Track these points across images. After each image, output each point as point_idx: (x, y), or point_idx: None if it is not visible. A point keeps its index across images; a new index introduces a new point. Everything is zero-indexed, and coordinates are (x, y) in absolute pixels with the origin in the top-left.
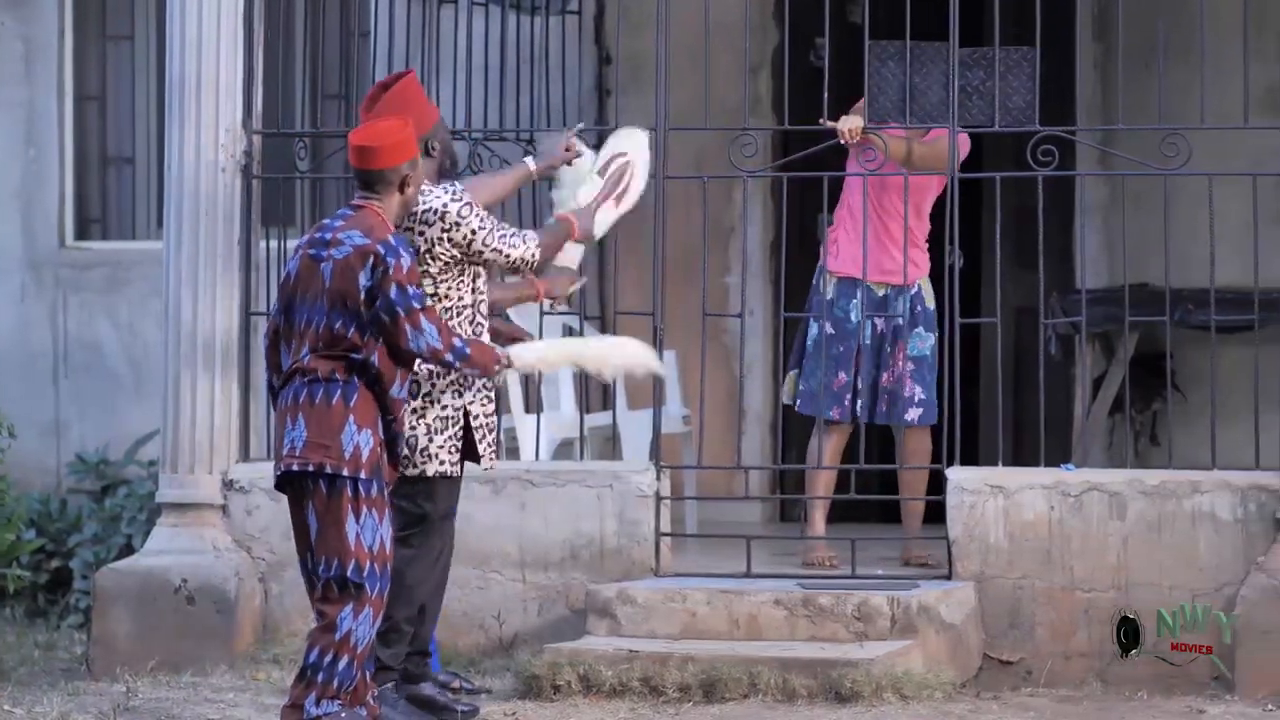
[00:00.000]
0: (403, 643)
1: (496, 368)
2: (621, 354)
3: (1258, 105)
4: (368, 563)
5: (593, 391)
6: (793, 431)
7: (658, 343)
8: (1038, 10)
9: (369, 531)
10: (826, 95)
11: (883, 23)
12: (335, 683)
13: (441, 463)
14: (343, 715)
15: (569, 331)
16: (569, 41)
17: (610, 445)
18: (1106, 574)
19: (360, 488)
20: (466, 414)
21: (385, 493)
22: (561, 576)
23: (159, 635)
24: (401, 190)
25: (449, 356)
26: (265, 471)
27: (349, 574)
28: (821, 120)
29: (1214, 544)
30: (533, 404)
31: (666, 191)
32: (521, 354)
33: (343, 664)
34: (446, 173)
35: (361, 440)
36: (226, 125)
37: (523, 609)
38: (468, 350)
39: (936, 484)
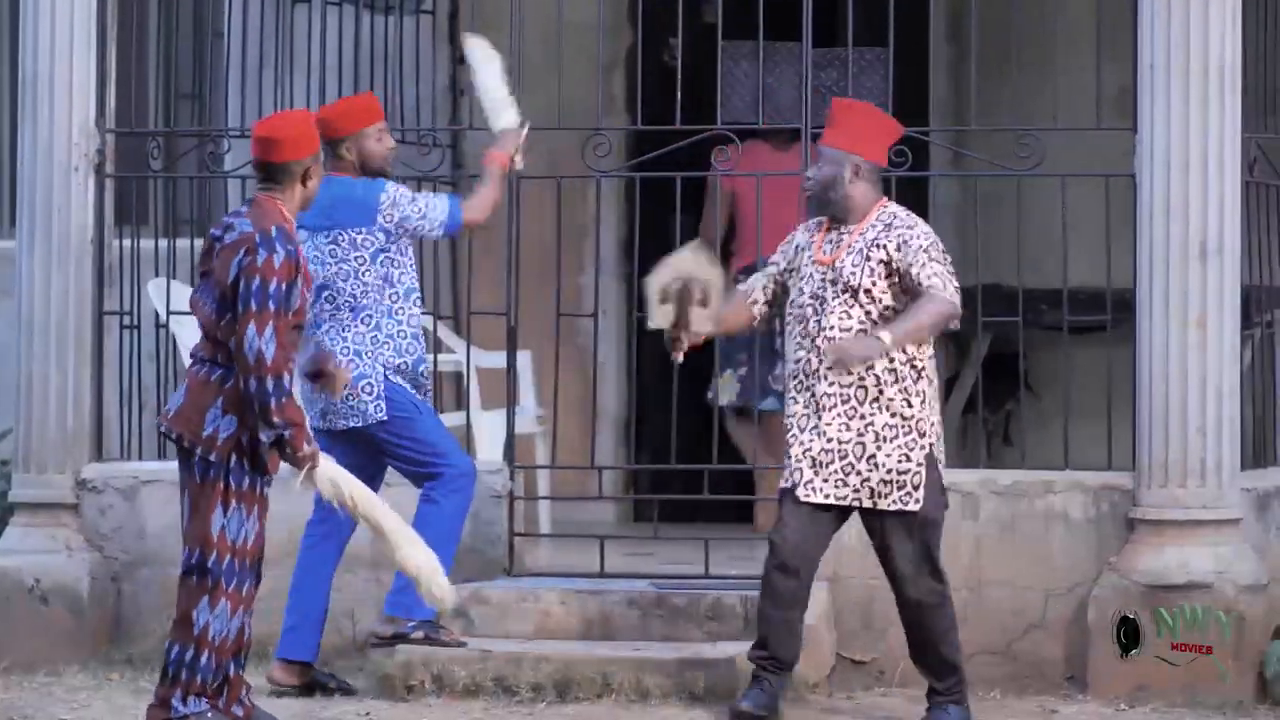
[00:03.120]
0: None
1: (299, 450)
2: (411, 557)
3: (1110, 107)
4: (227, 556)
5: (446, 391)
6: (646, 432)
7: (512, 343)
8: (891, 11)
9: (234, 524)
10: (680, 95)
11: (736, 23)
12: (199, 679)
13: None
14: (209, 715)
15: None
16: (423, 41)
17: (464, 445)
18: (959, 574)
19: (231, 479)
20: None
21: (261, 488)
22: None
23: (12, 636)
24: (304, 183)
25: (269, 383)
26: (118, 471)
27: (209, 564)
28: None
29: (1067, 544)
30: None
31: (520, 192)
32: (328, 468)
33: (204, 659)
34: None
35: (223, 424)
36: (79, 124)
37: (377, 609)
38: (284, 397)
39: None
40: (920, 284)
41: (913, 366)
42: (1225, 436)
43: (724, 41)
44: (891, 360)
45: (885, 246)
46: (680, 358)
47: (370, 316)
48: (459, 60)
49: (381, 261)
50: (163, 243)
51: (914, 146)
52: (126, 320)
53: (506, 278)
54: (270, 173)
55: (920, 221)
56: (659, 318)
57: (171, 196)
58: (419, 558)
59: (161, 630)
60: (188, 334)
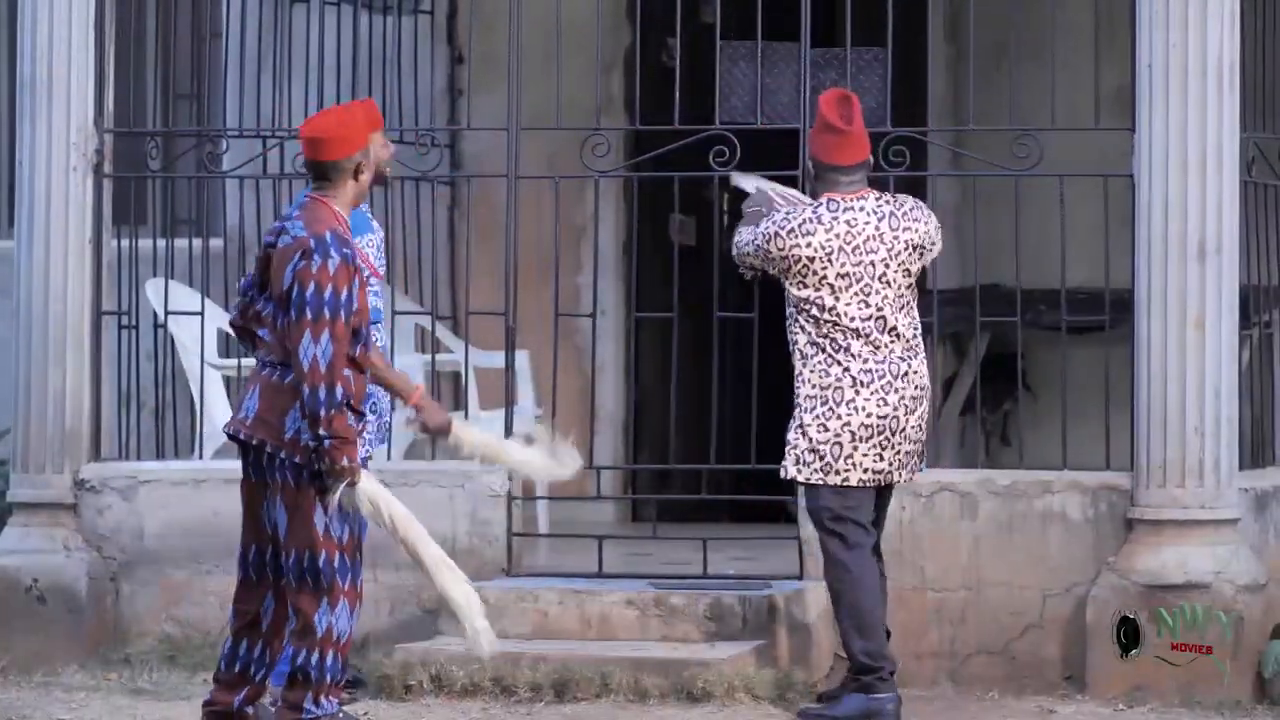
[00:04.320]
0: None
1: (337, 462)
2: (450, 590)
3: (1108, 106)
4: (336, 553)
5: (444, 391)
6: (644, 432)
7: (510, 342)
8: (889, 11)
9: (336, 522)
10: (678, 95)
11: (735, 23)
12: (329, 679)
13: None
14: (340, 715)
15: (420, 332)
16: (421, 41)
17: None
18: (957, 574)
19: (320, 479)
20: None
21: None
22: (413, 577)
23: (10, 635)
24: (355, 178)
25: (321, 392)
26: (116, 471)
27: (320, 565)
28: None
29: (1064, 544)
30: None
31: (519, 192)
32: (368, 487)
33: (329, 660)
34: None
35: (304, 428)
36: (78, 124)
37: (375, 609)
38: (334, 408)
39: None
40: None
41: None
42: (1223, 436)
43: (722, 41)
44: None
45: None
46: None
47: None
48: (457, 60)
49: None
50: (161, 243)
51: (912, 146)
52: (125, 320)
53: (505, 278)
54: (322, 171)
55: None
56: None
57: (170, 196)
58: (459, 591)
59: (159, 630)
60: (186, 334)
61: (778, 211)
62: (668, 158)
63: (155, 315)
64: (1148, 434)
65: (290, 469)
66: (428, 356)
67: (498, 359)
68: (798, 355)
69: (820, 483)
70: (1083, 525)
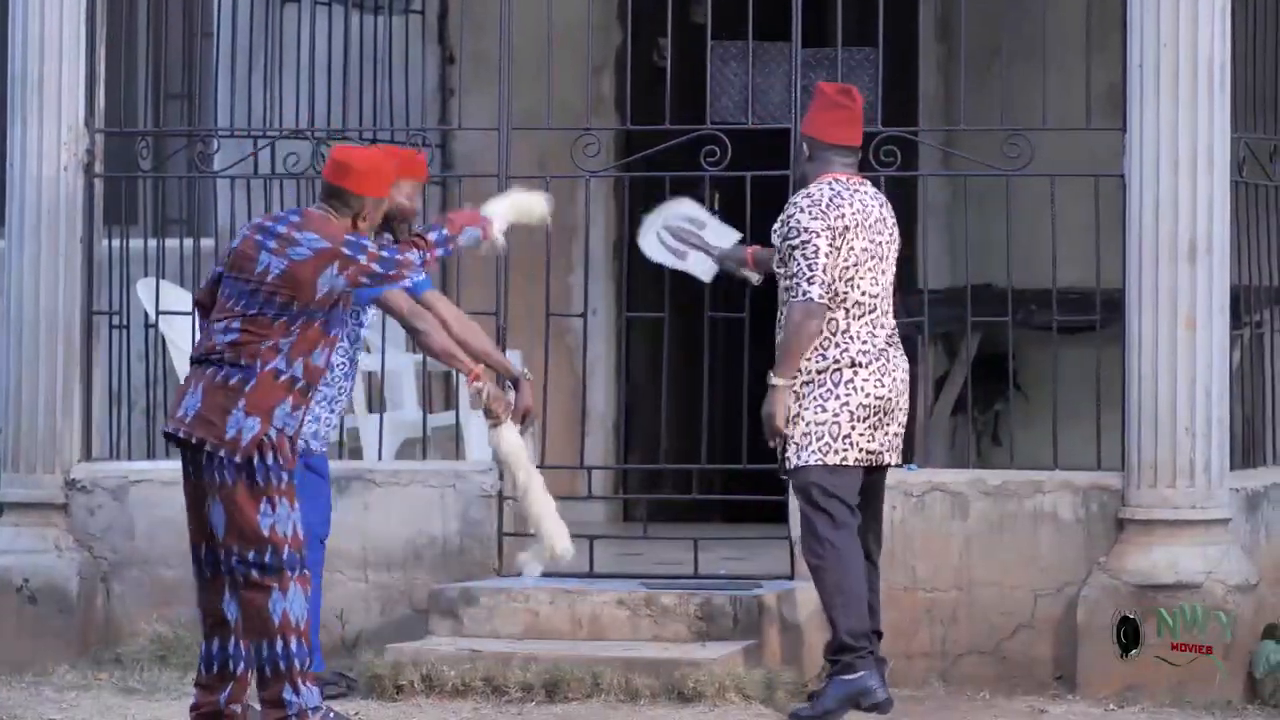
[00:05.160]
0: None
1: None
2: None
3: (1099, 106)
4: (285, 547)
5: (435, 392)
6: (635, 432)
7: (501, 342)
8: (880, 11)
9: (282, 518)
10: (669, 95)
11: (726, 23)
12: (298, 664)
13: None
14: (324, 707)
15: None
16: (412, 41)
17: (453, 445)
18: (949, 574)
19: (268, 476)
20: None
21: (289, 480)
22: (404, 576)
23: (0, 635)
24: (355, 223)
25: (415, 256)
26: (108, 471)
27: (267, 559)
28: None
29: (1056, 544)
30: (376, 404)
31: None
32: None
33: (294, 645)
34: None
35: (246, 426)
36: (69, 124)
37: (365, 609)
38: (440, 246)
39: (778, 484)
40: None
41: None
42: (1214, 436)
43: (713, 41)
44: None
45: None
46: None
47: None
48: (448, 60)
49: None
50: (152, 242)
51: (903, 146)
52: (115, 320)
53: (496, 277)
54: (333, 193)
55: (800, 202)
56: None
57: (161, 196)
58: (549, 522)
59: (150, 630)
60: (177, 334)
61: (798, 210)
62: (658, 158)
63: (146, 315)
64: (1139, 434)
65: (229, 468)
66: (419, 357)
67: None
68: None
69: (818, 462)
70: (1074, 525)
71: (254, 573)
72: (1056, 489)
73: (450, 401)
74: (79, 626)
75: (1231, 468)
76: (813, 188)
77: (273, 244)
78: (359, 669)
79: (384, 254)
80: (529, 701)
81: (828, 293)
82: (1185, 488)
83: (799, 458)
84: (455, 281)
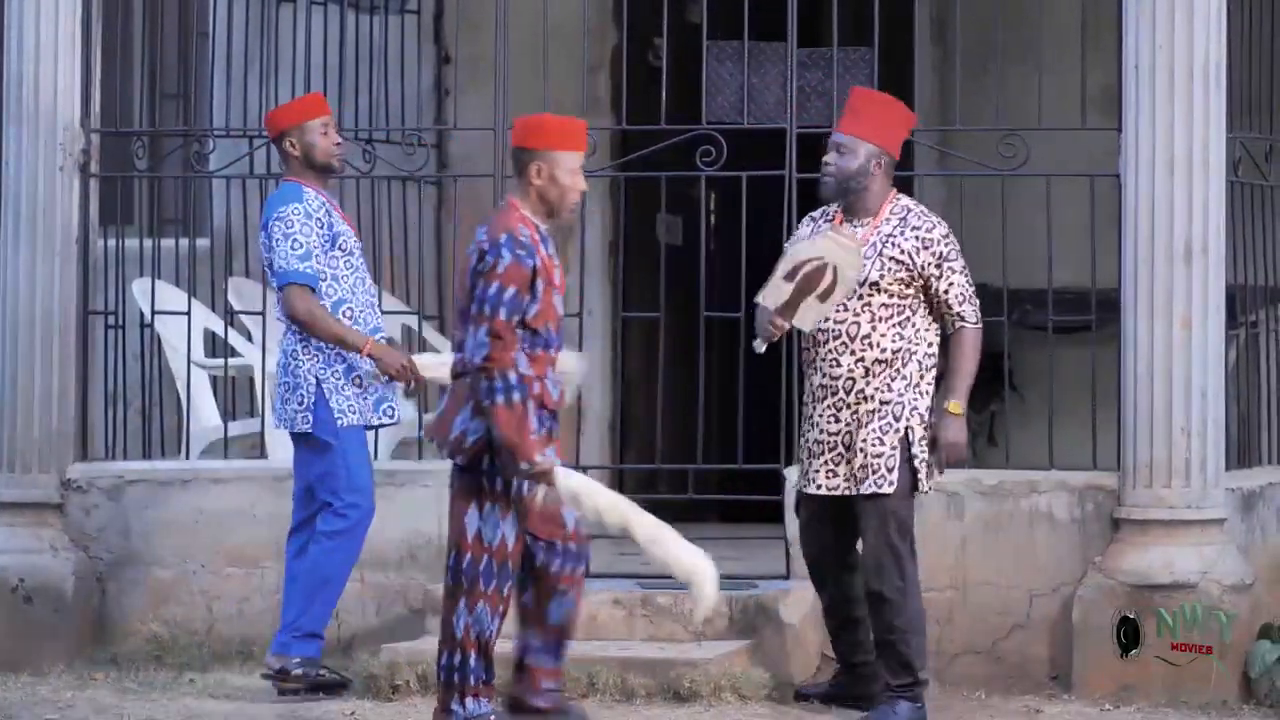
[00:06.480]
0: None
1: (524, 461)
2: (679, 557)
3: (1094, 107)
4: (483, 557)
5: (431, 391)
6: (631, 432)
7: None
8: (876, 12)
9: (489, 526)
10: (665, 95)
11: (721, 23)
12: (471, 680)
13: None
14: (491, 717)
15: (407, 331)
16: (408, 41)
17: None
18: (944, 574)
19: (484, 480)
20: None
21: (512, 490)
22: (400, 576)
23: None
24: (531, 178)
25: (482, 384)
26: (103, 471)
27: (462, 567)
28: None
29: (1051, 544)
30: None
31: (506, 191)
32: (568, 481)
33: (472, 662)
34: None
35: (471, 428)
36: (64, 124)
37: (361, 609)
38: (513, 398)
39: (774, 484)
40: (947, 305)
41: (908, 350)
42: (1210, 437)
43: (709, 41)
44: (880, 349)
45: (901, 245)
46: (763, 347)
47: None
48: (444, 59)
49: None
50: (148, 242)
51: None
52: (111, 320)
53: None
54: (514, 159)
55: (938, 221)
56: (771, 295)
57: (156, 196)
58: (686, 558)
59: (146, 630)
60: (172, 334)
61: (949, 233)
62: (654, 158)
63: (142, 315)
64: (1134, 434)
65: (453, 469)
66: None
67: None
68: (914, 365)
69: (908, 491)
70: (1069, 525)
71: (449, 578)
72: (1052, 489)
73: None
74: (75, 626)
75: (1227, 468)
76: (923, 207)
77: (469, 250)
78: (355, 669)
79: (491, 292)
80: None
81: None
82: (1181, 488)
83: (925, 485)
84: (450, 281)
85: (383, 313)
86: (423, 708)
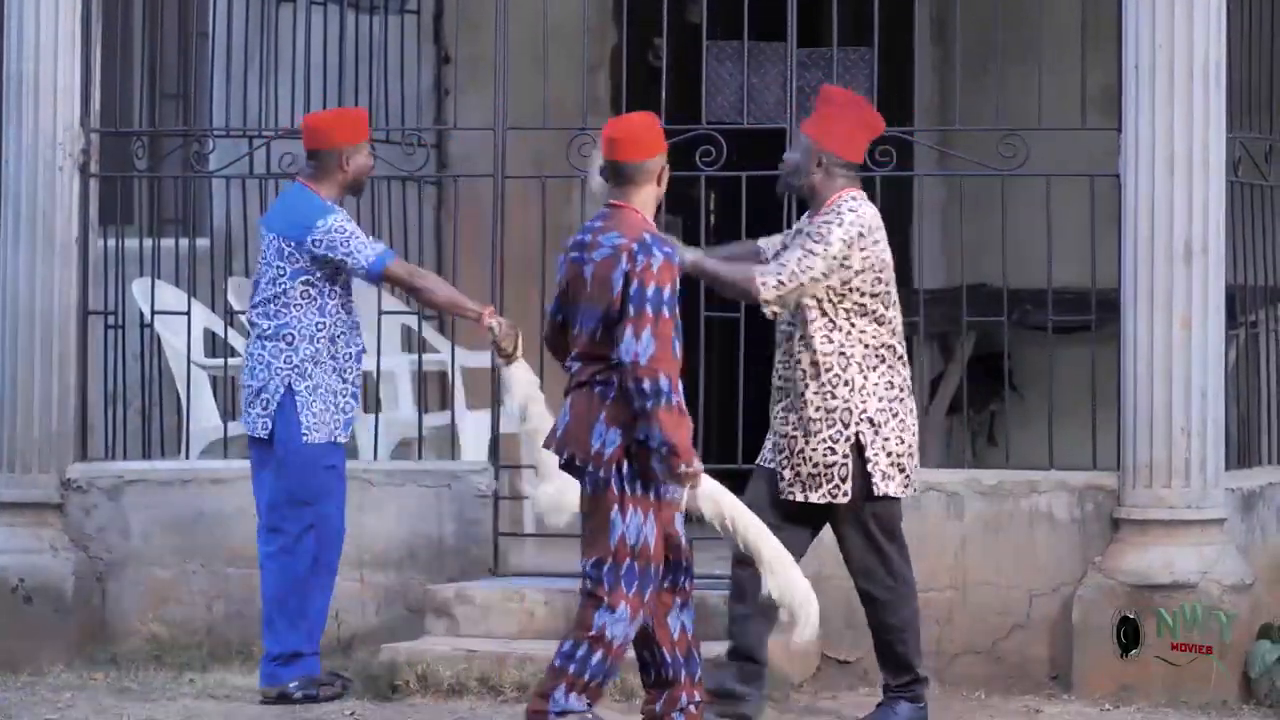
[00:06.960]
0: None
1: (676, 468)
2: (792, 585)
3: (1094, 107)
4: (626, 560)
5: (431, 391)
6: None
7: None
8: (875, 12)
9: (632, 529)
10: (664, 95)
11: (721, 23)
12: (587, 677)
13: None
14: (589, 715)
15: (407, 331)
16: (408, 41)
17: (449, 445)
18: (944, 574)
19: (625, 486)
20: None
21: (655, 493)
22: (400, 576)
23: None
24: (658, 183)
25: (646, 385)
26: (103, 471)
27: (604, 570)
28: None
29: (1051, 544)
30: (371, 403)
31: (506, 192)
32: (709, 487)
33: (596, 659)
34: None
35: (609, 439)
36: (64, 124)
37: (361, 609)
38: (674, 400)
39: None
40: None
41: (841, 354)
42: (1210, 437)
43: (709, 41)
44: (814, 352)
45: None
46: None
47: (291, 336)
48: (444, 60)
49: (304, 283)
50: (147, 242)
51: (899, 146)
52: (111, 320)
53: (491, 277)
54: (620, 174)
55: (849, 217)
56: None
57: (156, 196)
58: (801, 587)
59: (146, 630)
60: (172, 334)
61: (830, 227)
62: None
63: (142, 315)
64: (1134, 434)
65: (590, 480)
66: (414, 356)
67: (484, 359)
68: (854, 368)
69: (899, 494)
70: (1069, 525)
71: (590, 580)
72: (1052, 489)
73: (445, 401)
74: (74, 626)
75: (1227, 468)
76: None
77: (584, 255)
78: (355, 669)
79: (650, 293)
80: (524, 701)
81: (873, 311)
82: (1181, 488)
83: (889, 488)
84: (451, 281)
85: (382, 313)
86: (423, 707)
